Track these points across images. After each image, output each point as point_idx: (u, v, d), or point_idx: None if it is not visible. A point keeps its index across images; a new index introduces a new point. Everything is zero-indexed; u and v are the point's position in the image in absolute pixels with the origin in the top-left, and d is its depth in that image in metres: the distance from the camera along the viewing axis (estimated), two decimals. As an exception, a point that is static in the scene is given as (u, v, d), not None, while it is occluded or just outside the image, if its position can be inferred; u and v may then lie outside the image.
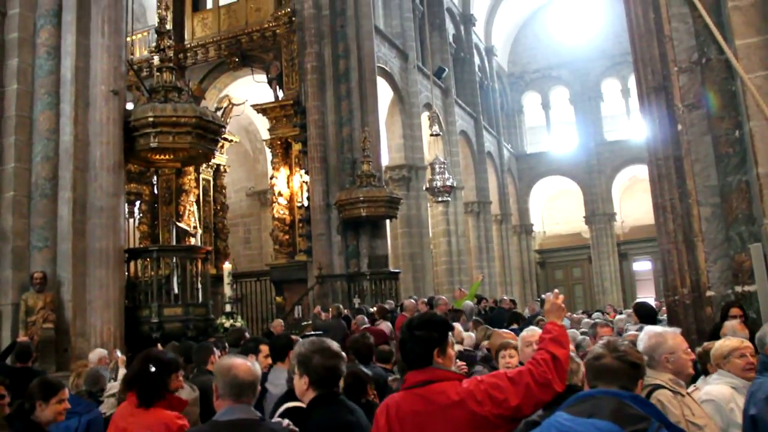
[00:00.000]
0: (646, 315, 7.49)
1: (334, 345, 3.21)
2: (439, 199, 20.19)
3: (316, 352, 3.10)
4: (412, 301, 11.83)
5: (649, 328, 3.66)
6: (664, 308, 8.89)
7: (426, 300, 12.39)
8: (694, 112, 7.00)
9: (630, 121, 31.90)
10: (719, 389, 3.76)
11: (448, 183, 19.43)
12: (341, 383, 3.48)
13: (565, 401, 2.45)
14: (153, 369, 3.60)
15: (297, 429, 2.99)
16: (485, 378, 2.92)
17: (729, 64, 6.44)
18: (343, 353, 3.24)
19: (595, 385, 2.44)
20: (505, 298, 16.79)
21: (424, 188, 20.25)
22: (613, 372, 2.43)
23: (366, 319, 11.16)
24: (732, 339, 4.04)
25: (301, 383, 3.09)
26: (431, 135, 20.33)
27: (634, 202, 32.57)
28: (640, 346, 3.48)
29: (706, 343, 4.79)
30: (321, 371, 3.07)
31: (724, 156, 6.65)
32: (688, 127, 7.05)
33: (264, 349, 5.53)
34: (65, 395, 4.05)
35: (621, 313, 13.25)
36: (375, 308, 11.78)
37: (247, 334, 8.33)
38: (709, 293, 6.92)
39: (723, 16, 6.50)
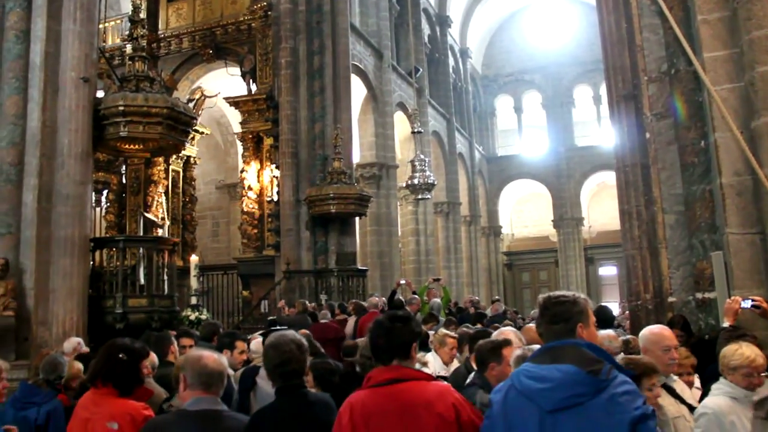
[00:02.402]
0: (603, 320, 7.59)
1: (295, 338, 3.23)
2: (419, 197, 20.31)
3: (271, 346, 3.16)
4: (377, 298, 11.86)
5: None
6: (627, 312, 9.00)
7: (386, 298, 12.37)
8: (662, 121, 7.12)
9: (600, 128, 32.24)
10: (716, 402, 3.50)
11: (429, 181, 19.55)
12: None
13: (531, 354, 2.71)
14: (125, 358, 3.58)
15: None
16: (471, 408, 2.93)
17: (697, 76, 6.56)
18: (304, 345, 3.25)
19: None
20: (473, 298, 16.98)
21: (404, 185, 20.31)
22: (546, 334, 2.59)
23: (328, 314, 11.34)
24: (747, 350, 3.64)
25: (265, 376, 3.13)
26: (412, 132, 20.41)
27: (601, 207, 32.93)
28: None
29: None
30: (273, 365, 3.14)
31: (689, 165, 6.77)
32: (655, 135, 7.16)
33: (240, 345, 5.53)
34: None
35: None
36: (350, 304, 11.80)
37: (221, 330, 8.24)
38: (671, 299, 7.05)
39: (693, 28, 6.61)
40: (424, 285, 14.92)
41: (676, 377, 3.92)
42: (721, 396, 3.51)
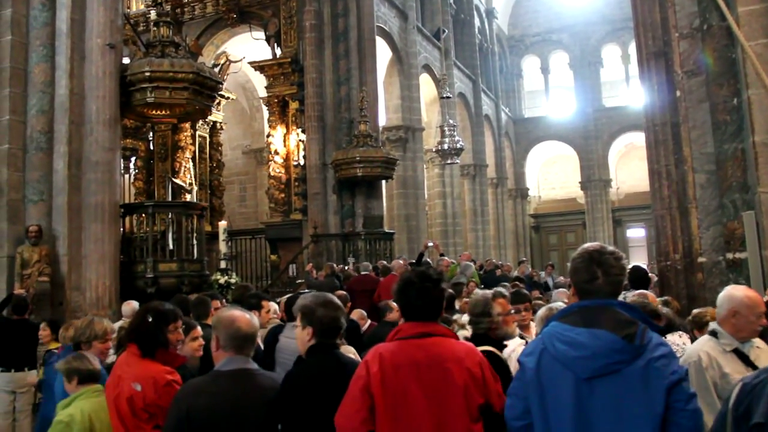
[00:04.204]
0: (638, 279, 7.51)
1: (336, 299, 3.27)
2: (449, 162, 20.28)
3: (320, 305, 3.16)
4: (400, 261, 11.93)
5: None
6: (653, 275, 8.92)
7: (413, 261, 12.43)
8: (693, 78, 6.99)
9: (629, 88, 31.72)
10: None
11: (458, 146, 19.50)
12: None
13: (558, 312, 2.62)
14: (150, 319, 3.61)
15: None
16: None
17: (730, 31, 6.41)
18: (343, 307, 3.30)
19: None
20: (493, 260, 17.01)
21: (434, 150, 20.23)
22: (601, 292, 2.47)
23: (369, 266, 11.92)
24: None
25: (304, 334, 3.14)
26: (441, 98, 20.27)
27: (629, 168, 32.59)
28: None
29: (695, 311, 4.86)
30: (325, 322, 3.13)
31: (721, 123, 6.65)
32: (686, 93, 7.04)
33: (266, 305, 5.66)
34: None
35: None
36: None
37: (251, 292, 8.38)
38: (700, 259, 7.00)
39: (726, -19, 6.44)
40: (454, 265, 14.73)
41: (761, 343, 3.72)
42: None
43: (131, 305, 7.89)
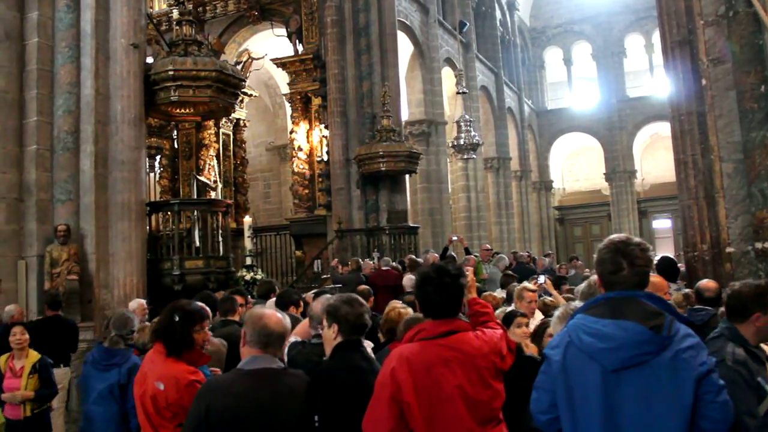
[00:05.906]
0: (666, 269, 7.40)
1: (359, 297, 3.32)
2: (465, 156, 20.23)
3: (344, 302, 3.21)
4: (435, 254, 11.92)
5: None
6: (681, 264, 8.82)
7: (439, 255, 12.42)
8: (719, 66, 6.90)
9: (653, 78, 31.42)
10: None
11: (475, 140, 19.46)
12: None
13: (583, 305, 2.60)
14: (177, 319, 3.60)
15: None
16: (505, 335, 3.13)
17: (757, 17, 6.32)
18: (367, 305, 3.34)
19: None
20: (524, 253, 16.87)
21: (450, 145, 20.24)
22: (626, 283, 2.44)
23: (389, 261, 11.98)
24: None
25: (330, 332, 3.18)
26: (457, 93, 20.24)
27: (655, 159, 32.28)
28: None
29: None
30: (350, 320, 3.16)
31: (748, 111, 6.56)
32: (712, 81, 6.96)
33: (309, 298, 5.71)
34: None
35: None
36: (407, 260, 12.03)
37: (276, 287, 8.42)
38: (728, 249, 6.91)
39: (752, -33, 6.35)
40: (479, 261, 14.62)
41: None
42: None
43: (135, 302, 7.94)
